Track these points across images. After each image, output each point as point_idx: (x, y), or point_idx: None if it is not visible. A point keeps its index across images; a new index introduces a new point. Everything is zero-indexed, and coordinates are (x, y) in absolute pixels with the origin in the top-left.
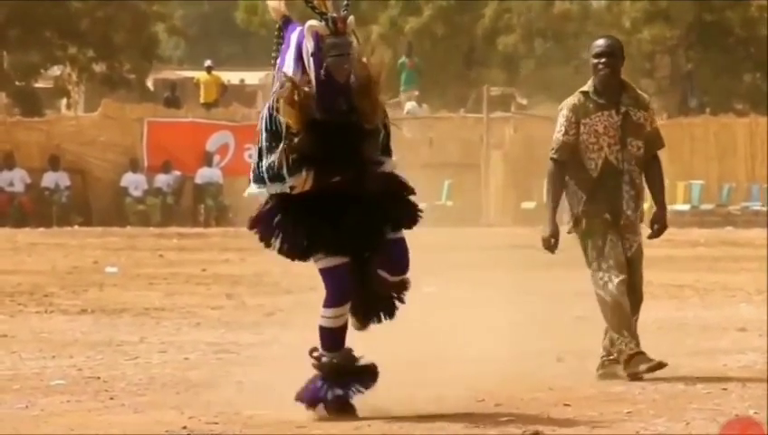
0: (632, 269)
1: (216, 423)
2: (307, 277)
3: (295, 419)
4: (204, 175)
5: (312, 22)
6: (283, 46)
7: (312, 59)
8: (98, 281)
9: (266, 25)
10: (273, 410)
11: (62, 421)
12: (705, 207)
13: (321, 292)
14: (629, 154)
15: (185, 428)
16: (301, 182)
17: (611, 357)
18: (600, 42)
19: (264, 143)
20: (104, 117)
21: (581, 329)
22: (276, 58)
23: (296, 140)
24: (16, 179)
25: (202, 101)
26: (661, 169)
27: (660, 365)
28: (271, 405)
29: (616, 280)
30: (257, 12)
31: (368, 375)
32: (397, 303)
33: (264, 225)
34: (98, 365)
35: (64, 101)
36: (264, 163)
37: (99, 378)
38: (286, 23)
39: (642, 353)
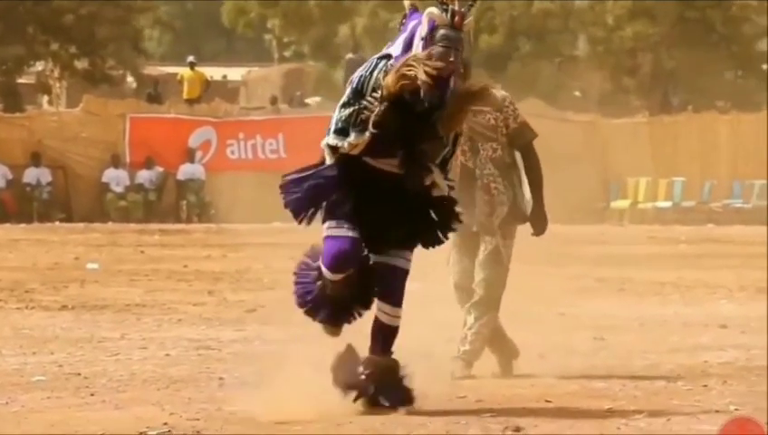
0: (480, 270)
1: (198, 420)
2: (289, 274)
3: (276, 416)
4: (186, 171)
5: (432, 9)
6: (401, 31)
7: (421, 43)
8: (79, 277)
9: (252, 26)
10: (255, 406)
11: (43, 418)
12: (687, 204)
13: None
14: (484, 158)
15: (165, 424)
16: (361, 142)
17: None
18: None
19: (344, 99)
20: (86, 113)
21: (563, 325)
22: (392, 41)
23: (377, 108)
24: None
25: (185, 96)
26: (536, 163)
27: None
28: (252, 401)
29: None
30: (244, 12)
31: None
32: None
33: (292, 184)
34: (78, 361)
35: (46, 97)
36: (336, 115)
37: (79, 374)
38: (413, 11)
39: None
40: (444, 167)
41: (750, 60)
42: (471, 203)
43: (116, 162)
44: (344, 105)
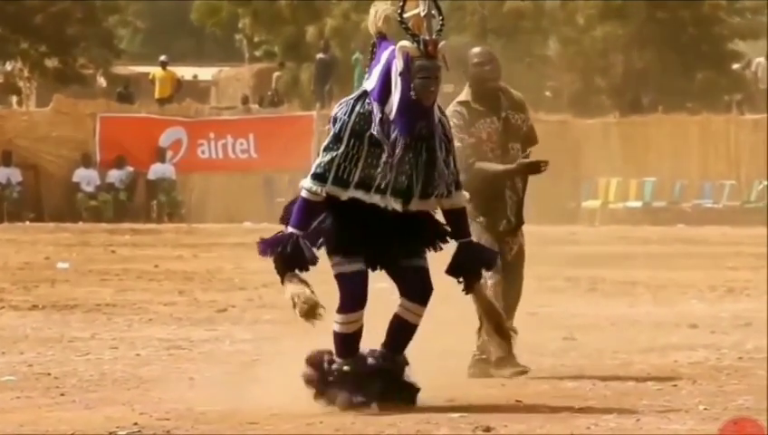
0: (512, 272)
1: (168, 420)
2: (260, 274)
3: (246, 415)
4: (157, 171)
5: (404, 42)
6: (373, 62)
7: (399, 78)
8: (49, 277)
9: (221, 25)
10: (225, 406)
11: (12, 418)
12: (658, 204)
13: (273, 289)
14: (511, 158)
15: (136, 424)
16: (339, 194)
17: (483, 356)
18: (480, 50)
19: (326, 142)
20: (56, 112)
21: (534, 324)
22: (367, 73)
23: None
24: None
25: (157, 96)
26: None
27: (524, 371)
28: (223, 401)
29: (490, 281)
30: (213, 13)
31: (381, 381)
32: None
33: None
34: (49, 361)
35: (15, 97)
36: (318, 158)
37: (49, 374)
38: (381, 39)
39: (510, 357)
40: (459, 186)
41: (721, 60)
42: (491, 201)
43: (86, 162)
44: (326, 149)
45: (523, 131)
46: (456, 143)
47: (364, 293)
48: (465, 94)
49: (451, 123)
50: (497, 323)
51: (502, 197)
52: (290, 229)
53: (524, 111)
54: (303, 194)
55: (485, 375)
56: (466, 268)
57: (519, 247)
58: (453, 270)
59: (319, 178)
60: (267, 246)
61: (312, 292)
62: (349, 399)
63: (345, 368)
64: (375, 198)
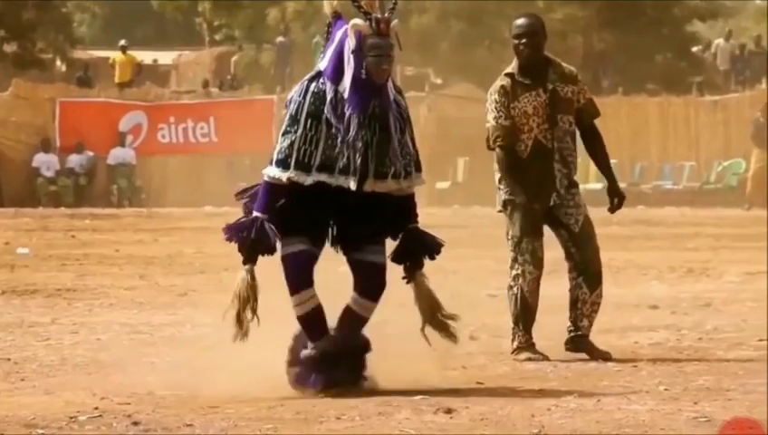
0: (583, 244)
1: (129, 404)
2: (221, 258)
3: (208, 399)
4: (117, 155)
5: (356, 21)
6: (329, 43)
7: (352, 57)
8: (9, 262)
9: (181, 9)
10: (186, 390)
11: None
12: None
13: (234, 272)
14: (561, 131)
15: (96, 409)
16: (303, 179)
17: (578, 332)
18: (521, 21)
19: (283, 127)
20: (15, 97)
21: (494, 307)
22: (322, 53)
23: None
24: None
25: (117, 80)
26: (602, 140)
27: (545, 358)
28: (184, 386)
29: (529, 277)
30: None
31: (355, 355)
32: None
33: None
34: (9, 346)
35: None
36: (278, 144)
37: (9, 359)
38: (336, 19)
39: (531, 346)
40: (418, 168)
41: (680, 42)
42: (539, 178)
43: (46, 147)
44: (284, 133)
45: (577, 104)
46: (488, 123)
47: (306, 272)
48: (512, 66)
49: (491, 99)
50: (433, 313)
51: (550, 170)
52: (254, 214)
53: (575, 82)
54: (266, 178)
55: (580, 350)
56: (410, 255)
57: (585, 218)
58: (397, 256)
59: (281, 164)
60: (232, 232)
61: (256, 299)
62: (322, 380)
63: (312, 352)
64: (340, 180)
